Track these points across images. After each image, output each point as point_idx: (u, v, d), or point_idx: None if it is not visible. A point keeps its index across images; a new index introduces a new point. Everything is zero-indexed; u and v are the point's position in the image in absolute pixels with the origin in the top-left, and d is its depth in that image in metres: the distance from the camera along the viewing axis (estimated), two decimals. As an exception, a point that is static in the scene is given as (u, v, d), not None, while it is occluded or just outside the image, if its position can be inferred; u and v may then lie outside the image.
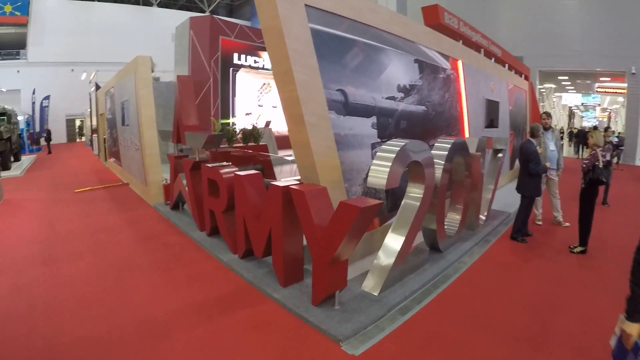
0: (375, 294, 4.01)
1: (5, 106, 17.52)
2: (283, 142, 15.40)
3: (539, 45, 22.09)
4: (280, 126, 18.09)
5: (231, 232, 5.16)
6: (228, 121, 14.94)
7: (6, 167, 15.07)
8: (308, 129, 4.21)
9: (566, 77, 27.56)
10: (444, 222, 5.33)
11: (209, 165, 5.53)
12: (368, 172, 3.80)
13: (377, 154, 3.88)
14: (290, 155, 5.12)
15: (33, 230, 6.78)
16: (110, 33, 34.68)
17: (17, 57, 33.16)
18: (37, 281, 4.55)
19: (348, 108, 4.89)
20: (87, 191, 10.32)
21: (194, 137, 6.41)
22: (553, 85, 31.94)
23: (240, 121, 15.33)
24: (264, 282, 4.32)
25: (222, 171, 5.16)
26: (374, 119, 5.36)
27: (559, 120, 39.94)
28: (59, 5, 33.76)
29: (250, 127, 9.28)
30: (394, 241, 4.27)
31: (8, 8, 30.72)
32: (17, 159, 18.66)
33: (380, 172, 3.71)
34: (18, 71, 32.30)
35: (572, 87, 32.05)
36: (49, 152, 23.24)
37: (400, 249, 4.16)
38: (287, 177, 4.98)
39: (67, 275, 4.74)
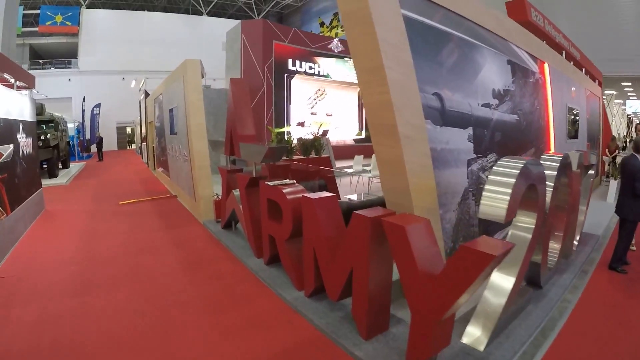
0: (481, 349, 3.09)
1: (54, 113, 17.58)
2: (338, 152, 14.72)
3: (600, 48, 20.49)
4: (335, 135, 17.42)
5: (296, 265, 4.32)
6: (283, 130, 14.28)
7: (53, 175, 15.04)
8: (402, 143, 3.32)
9: (629, 83, 25.50)
10: (548, 253, 4.40)
11: (269, 183, 4.70)
12: (470, 197, 2.92)
13: (490, 177, 2.99)
14: (350, 167, 4.33)
15: (71, 248, 6.21)
16: (160, 42, 35.30)
17: (69, 66, 34.21)
18: (66, 314, 3.90)
19: (445, 117, 3.96)
20: (132, 203, 9.82)
21: (250, 149, 5.65)
22: (614, 92, 29.70)
23: (295, 130, 14.69)
24: (341, 332, 3.44)
25: (285, 191, 4.32)
26: (470, 130, 4.40)
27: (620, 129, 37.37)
28: (108, 16, 34.79)
29: (308, 137, 8.50)
30: (503, 281, 3.35)
31: (59, 18, 31.85)
32: (65, 167, 18.82)
33: (497, 201, 2.86)
34: (69, 79, 33.31)
35: (634, 94, 29.76)
36: (100, 159, 23.45)
37: (511, 290, 3.26)
38: (348, 193, 4.09)
39: (101, 308, 4.05)
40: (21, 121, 7.77)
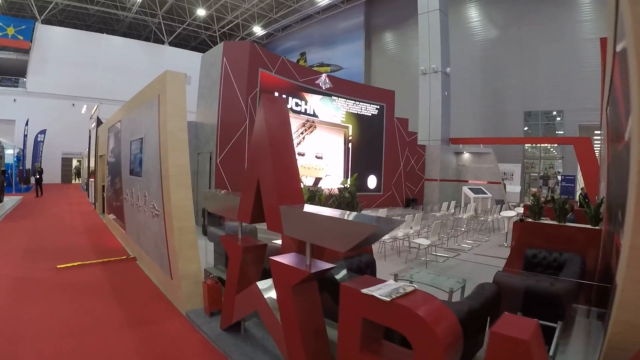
0: None
1: None
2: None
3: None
4: (325, 183, 14.98)
5: None
6: None
7: None
8: None
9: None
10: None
11: (370, 292, 2.21)
12: None
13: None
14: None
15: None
16: (117, 69, 32.52)
17: (16, 84, 30.60)
18: None
19: None
20: (76, 267, 6.94)
21: (319, 222, 3.07)
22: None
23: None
24: None
25: (422, 312, 1.86)
26: None
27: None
28: (65, 34, 31.74)
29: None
30: None
31: (11, 30, 28.61)
32: None
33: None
34: (15, 100, 29.60)
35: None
36: (38, 195, 19.77)
37: None
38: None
39: None
40: None
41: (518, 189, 23.15)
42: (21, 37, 29.19)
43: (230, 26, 36.73)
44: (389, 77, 29.76)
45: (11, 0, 30.19)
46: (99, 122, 15.26)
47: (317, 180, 14.33)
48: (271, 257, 3.27)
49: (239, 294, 4.03)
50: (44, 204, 16.93)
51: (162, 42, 36.50)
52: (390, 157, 18.65)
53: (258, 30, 37.74)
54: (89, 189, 19.41)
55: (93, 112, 18.24)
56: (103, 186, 13.16)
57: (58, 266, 6.87)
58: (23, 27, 29.29)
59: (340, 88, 16.05)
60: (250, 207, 3.80)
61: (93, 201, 16.57)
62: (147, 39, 36.94)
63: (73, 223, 12.11)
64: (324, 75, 15.46)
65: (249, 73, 11.63)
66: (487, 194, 17.06)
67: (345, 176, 16.23)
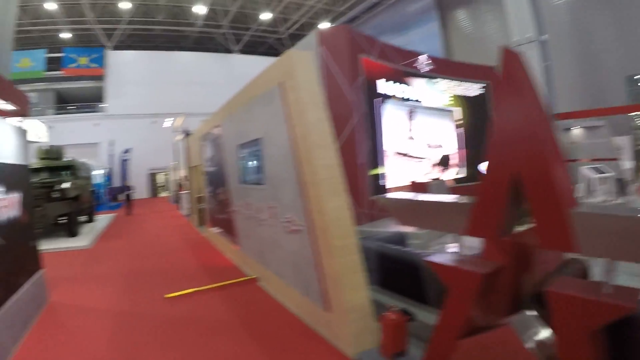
0: None
1: (75, 158, 14.34)
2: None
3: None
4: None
5: None
6: (378, 172, 10.53)
7: (73, 233, 11.76)
8: None
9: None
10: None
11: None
12: None
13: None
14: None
15: None
16: (190, 82, 32.90)
17: (95, 110, 32.23)
18: None
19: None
20: (189, 296, 5.98)
21: None
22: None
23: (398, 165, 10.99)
24: None
25: None
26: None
27: None
28: (135, 57, 32.88)
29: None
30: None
31: (84, 60, 30.06)
32: (90, 220, 15.50)
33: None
34: (96, 124, 30.99)
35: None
36: (129, 213, 19.47)
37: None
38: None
39: None
40: None
41: (631, 164, 20.17)
42: (95, 65, 30.56)
43: (296, 27, 35.83)
44: (470, 56, 27.43)
45: (80, 34, 31.73)
46: (187, 133, 14.73)
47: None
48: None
49: (465, 338, 2.74)
50: (137, 220, 16.84)
51: (231, 51, 36.33)
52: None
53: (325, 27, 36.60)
54: (179, 201, 19.12)
55: (178, 124, 17.89)
56: (198, 198, 12.50)
57: (166, 296, 5.94)
58: (95, 55, 30.68)
59: (441, 68, 14.38)
60: (498, 216, 2.47)
61: (186, 214, 16.13)
62: (215, 51, 36.88)
63: (171, 239, 11.50)
64: (423, 56, 13.87)
65: (351, 60, 10.29)
66: (609, 172, 14.69)
67: (462, 165, 14.55)
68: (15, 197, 4.92)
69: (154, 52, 34.15)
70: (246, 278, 6.65)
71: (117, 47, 32.74)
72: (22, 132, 5.62)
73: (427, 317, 3.88)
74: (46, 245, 10.52)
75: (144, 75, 32.27)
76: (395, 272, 4.51)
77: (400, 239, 6.00)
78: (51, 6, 26.71)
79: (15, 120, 5.75)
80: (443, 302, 2.96)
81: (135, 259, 8.92)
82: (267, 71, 5.42)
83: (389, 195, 4.80)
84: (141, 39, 35.38)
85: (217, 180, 8.80)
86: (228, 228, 8.23)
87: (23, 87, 31.48)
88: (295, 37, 36.93)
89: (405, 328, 3.60)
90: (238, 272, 7.17)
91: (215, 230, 9.66)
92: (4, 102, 4.75)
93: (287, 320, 4.84)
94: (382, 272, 4.41)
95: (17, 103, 5.35)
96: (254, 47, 38.34)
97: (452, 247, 6.82)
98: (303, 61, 4.58)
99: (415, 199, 3.78)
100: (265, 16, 32.94)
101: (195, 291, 6.11)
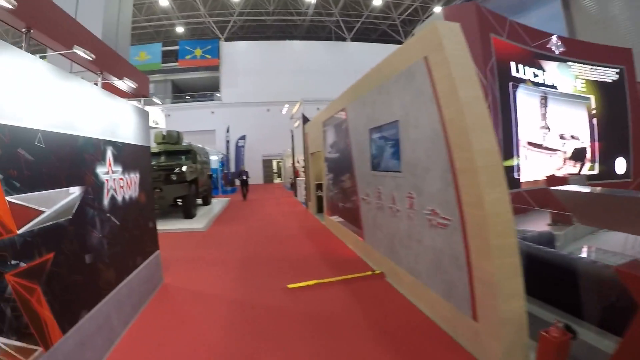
0: None
1: (192, 143, 15.12)
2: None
3: None
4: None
5: None
6: (513, 164, 9.55)
7: (189, 215, 12.38)
8: None
9: None
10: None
11: None
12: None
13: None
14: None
15: None
16: (303, 71, 33.47)
17: (211, 99, 34.53)
18: None
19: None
20: (311, 288, 5.75)
21: None
22: None
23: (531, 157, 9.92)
24: None
25: None
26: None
27: None
28: (248, 47, 34.26)
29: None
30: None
31: (199, 52, 32.09)
32: (206, 203, 16.40)
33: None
34: (212, 112, 33.07)
35: None
36: (245, 198, 20.05)
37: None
38: None
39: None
40: (113, 144, 4.26)
41: None
42: (209, 56, 32.46)
43: (409, 11, 34.51)
44: (595, 39, 24.12)
45: (193, 27, 34.19)
46: (304, 120, 14.77)
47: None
48: None
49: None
50: (252, 205, 17.41)
51: (343, 39, 36.18)
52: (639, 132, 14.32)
53: (438, 10, 34.74)
54: (295, 187, 19.46)
55: (295, 110, 18.09)
56: (317, 185, 12.45)
57: (289, 286, 5.77)
58: (209, 47, 32.56)
59: (572, 50, 12.67)
60: None
61: (303, 200, 16.30)
62: (327, 39, 37.06)
63: (289, 225, 11.57)
64: (554, 37, 12.34)
65: (482, 40, 9.40)
66: None
67: (592, 160, 12.82)
68: (135, 177, 5.02)
69: (265, 42, 35.16)
70: (372, 272, 6.29)
71: (229, 39, 34.40)
72: (144, 114, 5.75)
73: (587, 335, 3.23)
74: (163, 226, 11.16)
75: (256, 64, 33.48)
76: (546, 278, 3.84)
77: (548, 239, 5.22)
78: (164, 3, 29.02)
79: (136, 102, 5.93)
80: (630, 325, 2.29)
81: (251, 244, 9.02)
82: (406, 47, 4.95)
83: (568, 187, 4.04)
84: (253, 30, 36.84)
85: (340, 166, 8.54)
86: (351, 217, 7.94)
87: None
88: (409, 23, 35.71)
89: (568, 349, 2.95)
90: (362, 265, 6.83)
91: (336, 218, 9.45)
92: (128, 82, 4.82)
93: (420, 325, 4.37)
94: (529, 277, 3.76)
95: (139, 84, 5.49)
96: (366, 35, 37.85)
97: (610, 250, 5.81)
98: (452, 32, 4.07)
99: (611, 194, 3.07)
100: (377, 2, 32.17)
101: (318, 283, 5.89)
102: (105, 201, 4.02)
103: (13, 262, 2.54)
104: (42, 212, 2.87)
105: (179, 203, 12.81)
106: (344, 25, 35.03)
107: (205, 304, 5.20)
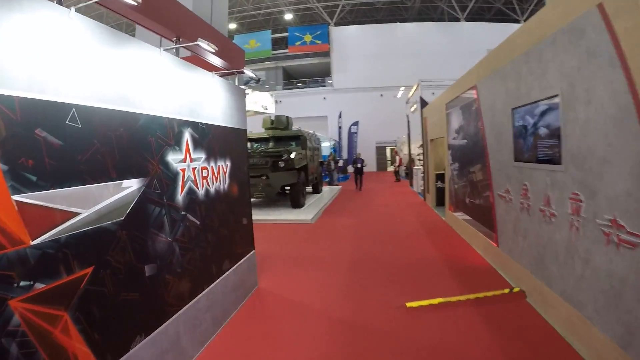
0: None
1: (301, 128, 14.49)
2: None
3: None
4: None
5: None
6: None
7: (297, 204, 11.78)
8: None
9: None
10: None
11: None
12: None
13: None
14: None
15: None
16: (416, 54, 31.52)
17: (323, 84, 34.37)
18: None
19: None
20: (434, 307, 4.58)
21: None
22: None
23: None
24: None
25: None
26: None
27: None
28: (358, 31, 33.27)
29: None
30: None
31: (308, 37, 31.46)
32: (316, 191, 15.87)
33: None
34: (324, 98, 32.89)
35: None
36: (358, 187, 18.32)
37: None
38: None
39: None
40: (192, 125, 3.61)
41: None
42: (319, 42, 31.69)
43: (527, -14, 30.78)
44: None
45: (302, 14, 34.11)
46: (423, 103, 13.40)
47: None
48: None
49: None
50: (365, 195, 16.34)
51: (456, 20, 33.51)
52: None
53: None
54: (411, 177, 18.09)
55: (412, 93, 16.70)
56: (437, 175, 11.11)
57: (408, 304, 4.64)
58: (318, 32, 31.77)
59: None
60: None
61: (418, 190, 14.99)
62: (440, 20, 34.61)
63: (405, 219, 10.38)
64: None
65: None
66: None
67: None
68: (224, 166, 4.28)
69: (376, 26, 33.87)
70: (509, 290, 4.95)
71: (338, 24, 33.77)
72: (238, 92, 4.97)
73: None
74: (268, 216, 10.68)
75: (367, 49, 32.36)
76: None
77: None
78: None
79: (229, 78, 5.19)
80: None
81: (362, 242, 8.02)
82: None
83: None
84: (362, 13, 35.79)
85: (468, 155, 7.18)
86: (481, 217, 6.56)
87: (254, 67, 36.24)
88: (526, 1, 31.96)
89: None
90: (495, 278, 5.49)
91: (461, 215, 8.09)
92: (207, 46, 4.01)
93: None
94: None
95: (232, 57, 4.71)
96: (480, 14, 34.56)
97: None
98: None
99: None
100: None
101: (443, 302, 4.71)
102: (180, 196, 3.31)
103: (23, 283, 1.85)
104: (76, 214, 2.17)
105: (287, 191, 12.36)
106: (456, 5, 32.30)
107: (304, 321, 4.34)
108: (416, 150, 19.73)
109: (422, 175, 14.46)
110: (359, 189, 18.15)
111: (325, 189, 17.87)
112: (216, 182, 4.11)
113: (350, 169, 23.03)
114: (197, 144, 3.69)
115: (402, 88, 19.32)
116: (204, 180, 3.84)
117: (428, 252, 7.00)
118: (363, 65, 32.22)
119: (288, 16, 34.34)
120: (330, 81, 33.76)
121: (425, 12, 35.34)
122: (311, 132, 15.83)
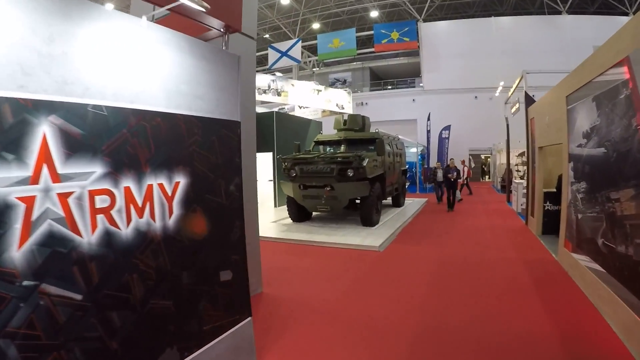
0: None
1: (381, 131, 12.35)
2: None
3: None
4: None
5: None
6: None
7: (368, 222, 9.85)
8: None
9: None
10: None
11: None
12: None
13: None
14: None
15: None
16: (512, 51, 28.41)
17: (412, 85, 32.80)
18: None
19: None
20: None
21: None
22: None
23: None
24: None
25: None
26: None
27: None
28: (450, 27, 30.88)
29: None
30: None
31: (395, 35, 28.96)
32: (397, 204, 13.66)
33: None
34: (413, 100, 31.02)
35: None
36: (450, 208, 14.07)
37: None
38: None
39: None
40: (81, 109, 1.86)
41: None
42: (407, 39, 29.10)
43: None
44: None
45: (388, 11, 32.58)
46: (528, 101, 10.69)
47: None
48: None
49: None
50: (453, 216, 13.13)
51: (557, 13, 29.81)
52: None
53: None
54: (511, 193, 14.93)
55: (511, 93, 13.90)
56: (546, 193, 8.44)
57: None
58: (406, 29, 29.18)
59: None
60: None
61: (520, 211, 12.15)
62: (538, 14, 31.05)
63: (501, 254, 7.70)
64: None
65: None
66: None
67: None
68: (168, 185, 2.37)
69: (469, 20, 31.32)
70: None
71: (428, 19, 31.64)
72: (224, 60, 3.08)
73: None
74: (324, 236, 8.78)
75: (460, 46, 29.94)
76: None
77: None
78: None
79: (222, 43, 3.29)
80: None
81: (441, 289, 5.71)
82: None
83: None
84: (453, 9, 33.38)
85: (607, 171, 4.58)
86: (627, 275, 4.01)
87: (340, 68, 36.05)
88: None
89: None
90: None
91: (587, 262, 5.41)
92: None
93: None
94: None
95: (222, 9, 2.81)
96: (583, 7, 30.60)
97: None
98: None
99: None
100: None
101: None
102: (15, 253, 1.48)
103: None
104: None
105: (357, 203, 10.46)
106: (558, -4, 28.81)
107: None
108: (514, 159, 16.78)
109: (523, 191, 11.64)
110: (450, 209, 14.06)
111: (408, 200, 15.60)
112: (140, 215, 2.21)
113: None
114: (81, 145, 1.83)
115: (502, 83, 16.53)
116: (101, 216, 1.95)
117: (535, 321, 4.49)
118: (455, 64, 29.78)
119: (374, 14, 32.92)
120: (420, 83, 31.84)
121: (522, 6, 32.44)
122: (394, 135, 13.71)
